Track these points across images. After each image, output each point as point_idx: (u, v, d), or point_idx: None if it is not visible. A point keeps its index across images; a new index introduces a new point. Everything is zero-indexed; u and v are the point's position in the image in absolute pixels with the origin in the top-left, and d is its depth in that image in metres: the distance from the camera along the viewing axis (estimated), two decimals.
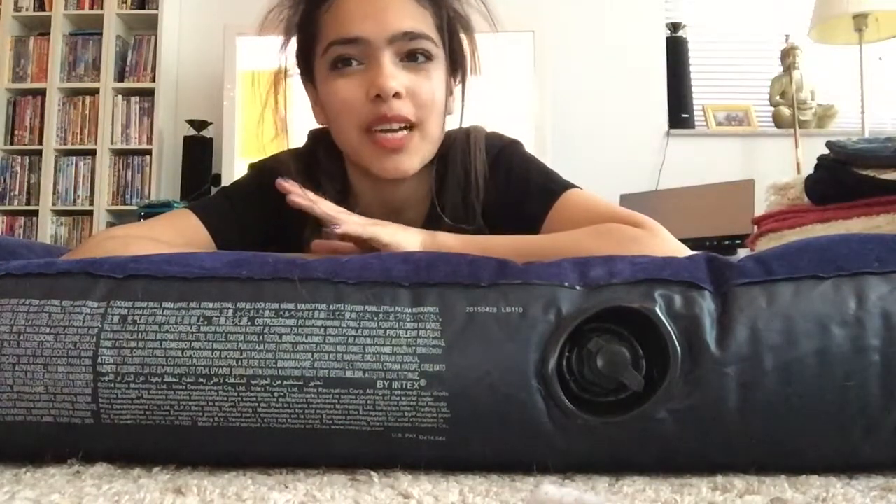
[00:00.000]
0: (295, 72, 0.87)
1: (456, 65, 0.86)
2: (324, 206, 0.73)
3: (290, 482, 0.47)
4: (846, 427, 0.48)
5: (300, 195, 0.73)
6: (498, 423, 0.48)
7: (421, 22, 0.79)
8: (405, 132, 0.78)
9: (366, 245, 0.72)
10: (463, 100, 0.88)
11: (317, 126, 0.91)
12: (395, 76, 0.77)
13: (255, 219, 0.86)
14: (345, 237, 0.72)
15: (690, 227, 2.70)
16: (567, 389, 0.48)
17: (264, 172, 0.90)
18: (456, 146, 0.87)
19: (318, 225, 0.86)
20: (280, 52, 0.85)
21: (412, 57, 0.79)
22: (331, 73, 0.79)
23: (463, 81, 0.87)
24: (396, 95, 0.76)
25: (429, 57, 0.80)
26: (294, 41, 0.85)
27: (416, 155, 0.80)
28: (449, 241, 0.73)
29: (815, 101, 3.34)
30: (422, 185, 0.87)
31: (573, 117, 3.18)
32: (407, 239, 0.72)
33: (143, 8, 3.28)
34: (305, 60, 0.85)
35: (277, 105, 0.85)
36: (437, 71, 0.81)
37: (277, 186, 0.73)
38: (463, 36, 0.86)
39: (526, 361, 0.48)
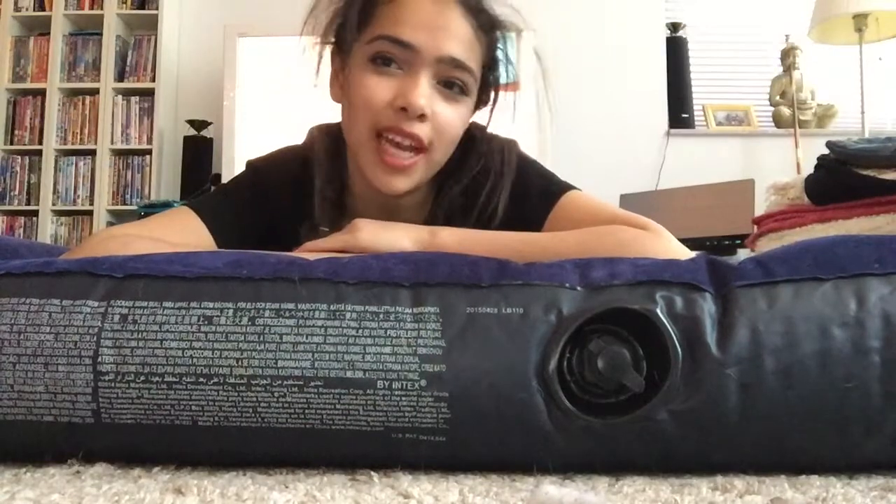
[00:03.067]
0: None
1: (481, 100, 0.85)
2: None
3: (290, 482, 0.47)
4: (846, 427, 0.48)
5: None
6: (498, 423, 0.48)
7: (471, 54, 0.79)
8: (413, 155, 0.77)
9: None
10: (488, 125, 0.88)
11: (318, 124, 0.92)
12: (427, 96, 0.76)
13: (253, 217, 0.86)
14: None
15: (690, 227, 2.71)
16: (567, 390, 0.48)
17: (262, 170, 0.90)
18: (468, 161, 0.85)
19: (315, 223, 0.86)
20: (341, 12, 0.82)
21: (449, 84, 0.78)
22: (368, 65, 0.78)
23: (491, 109, 0.87)
24: (422, 117, 0.76)
25: (464, 91, 0.79)
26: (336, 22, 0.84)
27: (414, 177, 0.79)
28: (449, 239, 0.73)
29: (815, 101, 3.35)
30: (422, 192, 0.86)
31: (573, 117, 3.18)
32: (394, 240, 0.71)
33: (143, 8, 3.29)
34: (345, 35, 0.82)
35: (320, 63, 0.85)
36: (466, 106, 0.81)
37: None
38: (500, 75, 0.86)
39: (526, 362, 0.48)
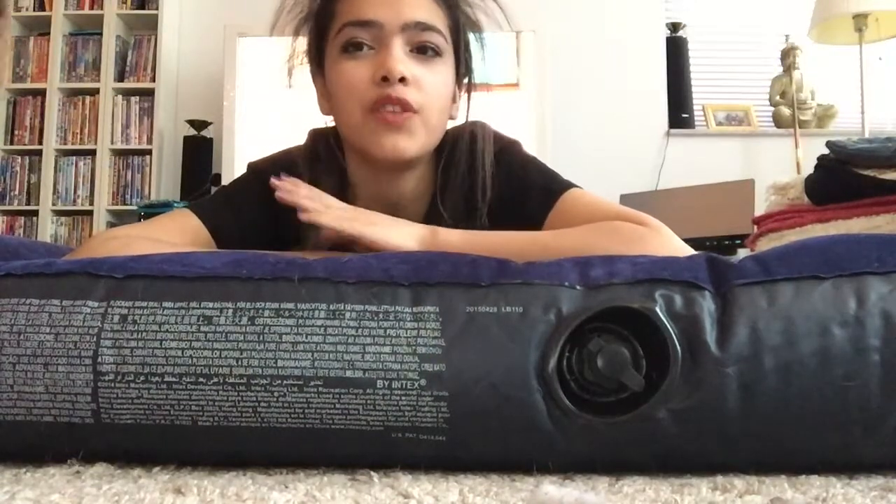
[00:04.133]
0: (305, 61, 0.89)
1: (462, 73, 0.86)
2: (302, 193, 0.77)
3: (290, 482, 0.47)
4: (846, 427, 0.48)
5: (286, 190, 0.77)
6: (498, 423, 0.48)
7: (435, 15, 0.81)
8: (408, 113, 0.78)
9: (352, 242, 0.72)
10: (468, 110, 0.89)
11: (318, 126, 0.92)
12: (403, 61, 0.78)
13: (254, 218, 0.86)
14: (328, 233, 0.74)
15: (690, 227, 2.70)
16: (567, 389, 0.48)
17: (263, 171, 0.90)
18: (460, 144, 0.87)
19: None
20: (294, 39, 0.87)
21: (422, 49, 0.80)
22: (341, 56, 0.80)
23: (468, 91, 0.88)
24: (403, 80, 0.77)
25: (438, 52, 0.81)
26: (304, 32, 0.87)
27: (415, 138, 0.80)
28: (450, 238, 0.73)
29: (815, 101, 3.35)
30: (422, 181, 0.87)
31: (573, 117, 3.18)
32: (401, 237, 0.72)
33: (143, 8, 3.29)
34: (317, 50, 0.86)
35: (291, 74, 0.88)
36: (445, 67, 0.82)
37: (271, 185, 0.77)
38: (472, 48, 0.87)
39: (526, 361, 0.48)
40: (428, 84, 0.79)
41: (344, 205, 0.79)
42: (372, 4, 0.79)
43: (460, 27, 0.85)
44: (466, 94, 0.89)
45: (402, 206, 0.86)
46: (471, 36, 0.87)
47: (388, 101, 0.77)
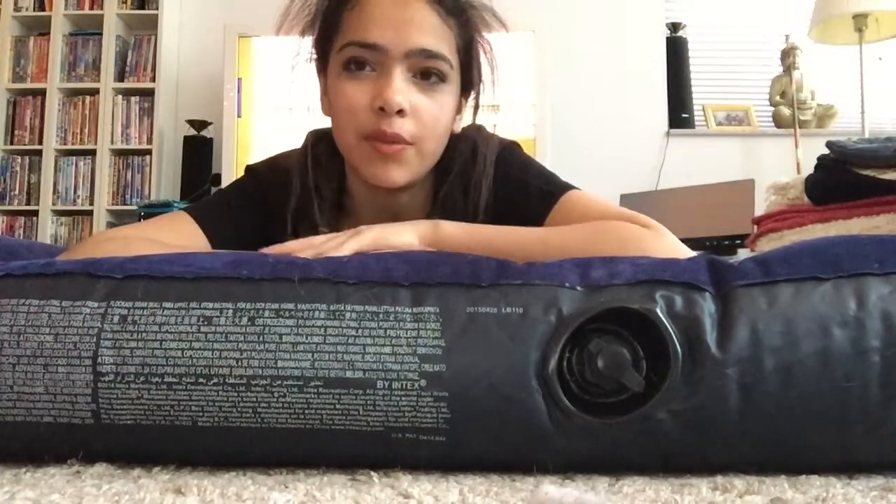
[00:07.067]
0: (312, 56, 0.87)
1: (468, 86, 0.85)
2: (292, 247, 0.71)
3: (290, 482, 0.47)
4: (846, 427, 0.48)
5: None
6: (498, 423, 0.48)
7: (442, 41, 0.78)
8: (402, 145, 0.77)
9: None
10: (474, 120, 0.88)
11: (315, 129, 0.92)
12: (402, 91, 0.76)
13: (251, 221, 0.86)
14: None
15: (690, 227, 2.70)
16: (567, 390, 0.48)
17: (261, 174, 0.90)
18: (461, 154, 0.85)
19: (314, 226, 0.86)
20: (301, 38, 0.85)
21: (426, 75, 0.78)
22: (343, 73, 0.79)
23: (476, 102, 0.87)
24: (401, 112, 0.76)
25: (442, 79, 0.79)
26: (311, 33, 0.85)
27: (408, 168, 0.79)
28: (453, 231, 0.73)
29: (815, 101, 3.35)
30: (420, 193, 0.86)
31: (573, 117, 3.18)
32: (398, 237, 0.72)
33: (143, 8, 3.29)
34: (322, 50, 0.84)
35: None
36: (447, 94, 0.81)
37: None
38: (482, 59, 0.86)
39: (526, 362, 0.48)
40: (427, 113, 0.78)
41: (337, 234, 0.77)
42: (378, 26, 0.76)
43: (471, 45, 0.83)
44: (473, 108, 0.87)
45: (401, 216, 0.86)
46: (481, 49, 0.85)
47: (382, 137, 0.76)
